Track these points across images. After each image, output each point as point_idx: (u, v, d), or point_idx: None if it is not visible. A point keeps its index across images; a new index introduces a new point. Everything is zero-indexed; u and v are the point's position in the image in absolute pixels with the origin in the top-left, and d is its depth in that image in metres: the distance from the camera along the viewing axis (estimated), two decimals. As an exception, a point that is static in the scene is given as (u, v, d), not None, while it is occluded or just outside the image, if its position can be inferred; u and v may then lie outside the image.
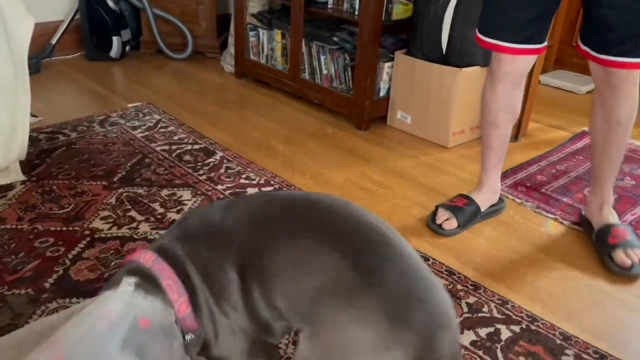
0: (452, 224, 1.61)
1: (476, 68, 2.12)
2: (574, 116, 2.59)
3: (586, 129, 2.43)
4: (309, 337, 0.76)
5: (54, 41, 2.88)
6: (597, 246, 1.55)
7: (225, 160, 1.96)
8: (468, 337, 1.21)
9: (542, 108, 2.58)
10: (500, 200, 1.73)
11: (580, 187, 1.92)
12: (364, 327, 0.70)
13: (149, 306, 0.85)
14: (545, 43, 1.48)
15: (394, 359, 0.68)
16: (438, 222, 1.62)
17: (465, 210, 1.64)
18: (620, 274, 1.45)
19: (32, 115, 1.82)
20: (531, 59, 1.49)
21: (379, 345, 0.68)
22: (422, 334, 0.70)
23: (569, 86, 2.97)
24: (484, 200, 1.68)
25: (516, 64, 1.48)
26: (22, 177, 1.72)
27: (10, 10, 1.51)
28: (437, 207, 1.68)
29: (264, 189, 1.78)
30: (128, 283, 0.87)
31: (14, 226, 1.49)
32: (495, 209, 1.71)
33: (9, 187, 1.68)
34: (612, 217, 1.59)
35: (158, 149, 2.02)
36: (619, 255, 1.47)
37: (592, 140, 1.56)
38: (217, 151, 2.03)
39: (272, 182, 1.83)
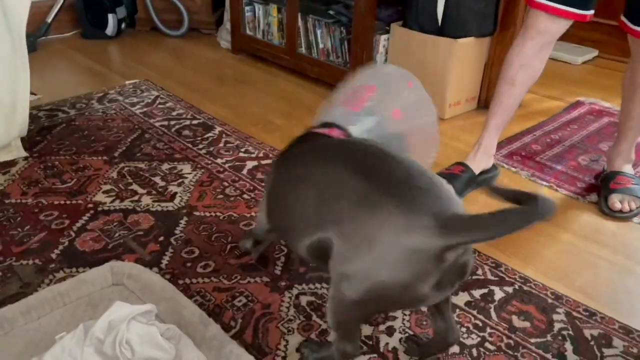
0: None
1: (471, 39, 2.13)
2: (569, 86, 2.61)
3: (581, 98, 2.46)
4: (338, 237, 0.85)
5: (49, 20, 2.87)
6: (600, 189, 1.67)
7: (224, 135, 1.98)
8: (463, 298, 1.25)
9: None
10: (494, 167, 1.77)
11: (574, 155, 1.95)
12: (381, 218, 0.80)
13: None
14: (592, 11, 1.47)
15: (411, 239, 0.78)
16: None
17: (461, 178, 1.67)
18: (609, 215, 1.57)
19: (31, 93, 1.83)
20: (567, 23, 1.49)
21: (396, 230, 0.79)
22: (434, 217, 0.78)
23: (565, 57, 2.98)
24: (478, 164, 1.71)
25: (553, 24, 1.48)
26: (24, 154, 1.75)
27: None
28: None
29: (263, 162, 1.80)
30: None
31: (18, 200, 1.52)
32: (489, 176, 1.74)
33: (12, 163, 1.70)
34: (625, 168, 1.69)
35: (157, 124, 2.04)
36: (613, 199, 1.59)
37: (622, 100, 1.65)
38: (216, 126, 2.05)
39: (270, 156, 1.85)
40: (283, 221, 1.04)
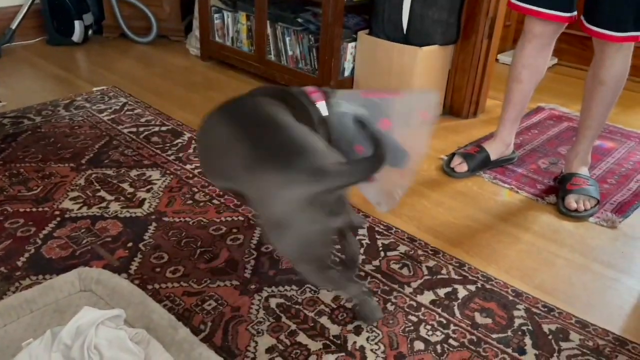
0: (462, 167, 1.87)
1: (435, 47, 2.19)
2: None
3: (542, 104, 2.55)
4: (243, 190, 1.07)
5: (13, 26, 2.83)
6: (558, 190, 1.76)
7: (193, 141, 1.99)
8: (428, 297, 1.29)
9: (500, 85, 2.65)
10: (513, 153, 1.96)
11: (535, 159, 2.02)
12: (264, 179, 0.99)
13: None
14: (575, 13, 1.64)
15: (291, 191, 0.97)
16: (452, 165, 1.88)
17: (476, 157, 1.88)
18: (566, 215, 1.67)
19: (-5, 100, 1.81)
20: (559, 25, 1.66)
21: (279, 184, 0.97)
22: (306, 172, 0.97)
23: (526, 64, 3.08)
24: (495, 149, 1.90)
25: (545, 27, 1.66)
26: (-12, 161, 1.72)
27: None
28: (453, 154, 1.93)
29: (232, 168, 1.82)
30: None
31: (-18, 209, 1.50)
32: (507, 160, 1.94)
33: (-25, 171, 1.68)
34: (581, 170, 1.78)
35: (125, 131, 2.03)
36: (569, 199, 1.67)
37: (583, 99, 1.74)
38: (185, 132, 2.06)
39: (240, 161, 1.87)
40: (203, 166, 1.27)
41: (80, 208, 1.54)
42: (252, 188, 1.03)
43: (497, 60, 2.74)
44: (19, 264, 1.30)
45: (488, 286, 1.34)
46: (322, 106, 1.18)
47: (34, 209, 1.51)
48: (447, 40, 2.22)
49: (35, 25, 2.98)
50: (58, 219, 1.48)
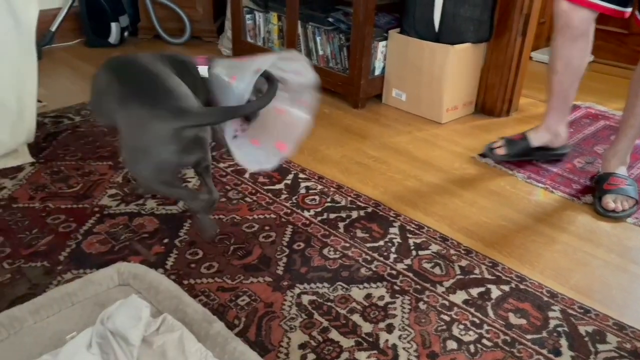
0: (502, 150, 1.90)
1: (467, 45, 2.17)
2: (566, 91, 2.64)
3: (577, 102, 2.50)
4: (118, 121, 1.27)
5: (53, 28, 2.92)
6: (595, 190, 1.72)
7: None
8: (460, 296, 1.28)
9: (534, 84, 2.63)
10: (563, 147, 1.92)
11: (570, 158, 1.98)
12: (132, 114, 1.20)
13: None
14: (630, 8, 1.61)
15: (154, 125, 1.18)
16: (493, 147, 1.92)
17: (517, 143, 1.90)
18: (603, 215, 1.63)
19: (37, 101, 1.87)
20: (590, 15, 1.62)
21: (146, 117, 1.18)
22: (168, 110, 1.18)
23: (561, 62, 3.02)
24: (538, 137, 1.89)
25: (575, 18, 1.64)
26: (30, 159, 1.78)
27: (15, -4, 1.56)
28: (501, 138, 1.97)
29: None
30: None
31: (26, 205, 1.56)
32: (555, 153, 1.91)
33: (19, 168, 1.74)
34: (619, 169, 1.73)
35: (160, 130, 2.07)
36: (606, 199, 1.63)
37: (628, 97, 1.71)
38: (218, 131, 2.09)
39: (271, 160, 1.89)
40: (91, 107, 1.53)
41: (118, 205, 1.58)
42: (123, 120, 1.23)
43: (531, 58, 2.70)
44: (61, 258, 1.35)
45: (522, 286, 1.33)
46: (203, 70, 1.38)
47: (74, 206, 1.57)
48: (479, 38, 2.19)
49: (73, 27, 3.07)
50: (97, 215, 1.53)
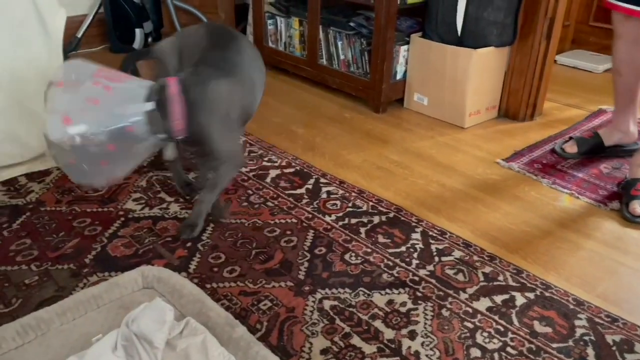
0: (572, 148, 1.96)
1: (491, 49, 2.15)
2: (591, 95, 2.61)
3: (603, 107, 2.45)
4: None
5: (79, 35, 2.98)
6: (622, 196, 1.70)
7: (247, 145, 2.03)
8: (484, 303, 1.27)
9: (558, 87, 2.60)
10: (636, 143, 1.94)
11: (596, 164, 1.95)
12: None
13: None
14: None
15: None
16: (563, 145, 1.98)
17: (588, 141, 1.96)
18: (631, 221, 1.61)
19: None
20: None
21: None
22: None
23: (585, 65, 2.97)
24: (608, 136, 1.94)
25: (629, 25, 1.69)
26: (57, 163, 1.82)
27: (44, 4, 1.60)
28: (570, 137, 2.03)
29: (285, 171, 1.85)
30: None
31: (53, 208, 1.59)
32: (626, 149, 1.94)
33: (47, 172, 1.77)
34: None
35: (183, 135, 2.10)
36: (634, 205, 1.62)
37: None
38: (240, 136, 2.10)
39: (293, 164, 1.89)
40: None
41: (142, 209, 1.60)
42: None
43: (555, 61, 2.66)
44: (87, 261, 1.37)
45: (547, 294, 1.30)
46: None
47: (100, 209, 1.59)
48: (503, 41, 2.17)
49: (98, 33, 3.12)
50: (122, 219, 1.55)
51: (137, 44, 3.08)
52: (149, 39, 3.17)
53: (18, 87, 1.65)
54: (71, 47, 2.96)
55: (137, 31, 3.06)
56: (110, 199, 1.65)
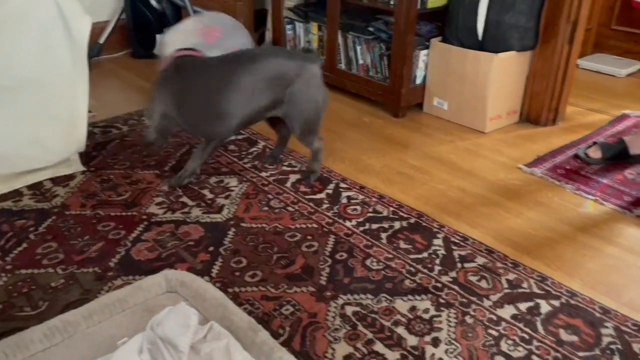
0: (596, 153, 1.93)
1: (512, 53, 2.14)
2: (614, 99, 2.57)
3: (626, 111, 2.41)
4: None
5: (101, 41, 3.02)
6: None
7: (267, 149, 2.04)
8: (508, 311, 1.25)
9: (581, 92, 2.57)
10: None
11: (621, 169, 1.92)
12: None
13: None
14: None
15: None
16: (587, 150, 1.95)
17: (612, 147, 1.93)
18: None
19: (87, 111, 1.93)
20: None
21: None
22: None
23: (608, 69, 2.93)
24: (634, 143, 1.90)
25: None
26: (81, 168, 1.85)
27: (70, 10, 1.62)
28: (594, 142, 2.00)
29: (306, 175, 1.85)
30: None
31: (78, 212, 1.61)
32: None
33: (71, 177, 1.80)
34: None
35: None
36: None
37: None
38: (260, 141, 2.12)
39: (313, 169, 1.90)
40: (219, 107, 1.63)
41: (165, 213, 1.62)
42: None
43: (577, 65, 2.63)
44: (111, 264, 1.39)
45: (573, 302, 1.29)
46: None
47: (123, 213, 1.61)
48: (524, 45, 2.15)
49: (120, 39, 3.17)
50: (145, 223, 1.57)
51: (157, 49, 3.11)
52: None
53: (43, 92, 1.68)
54: (94, 52, 3.00)
55: (158, 36, 3.09)
56: (133, 203, 1.66)
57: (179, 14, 3.21)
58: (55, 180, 1.77)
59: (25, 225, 1.54)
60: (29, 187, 1.73)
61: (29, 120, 1.66)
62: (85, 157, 1.92)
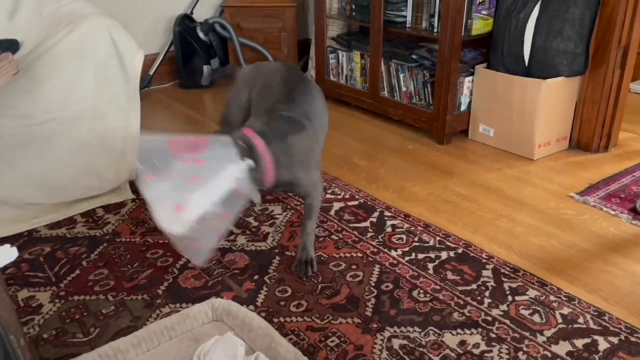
0: None
1: (560, 79, 2.09)
2: (670, 124, 2.47)
3: (684, 136, 2.31)
4: None
5: (151, 72, 3.14)
6: None
7: (311, 177, 2.05)
8: (564, 347, 1.20)
9: (634, 117, 2.47)
10: None
11: (681, 197, 1.83)
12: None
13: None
14: None
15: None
16: None
17: None
18: None
19: (138, 140, 2.01)
20: None
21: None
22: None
23: (663, 93, 2.82)
24: None
25: None
26: (132, 196, 1.90)
27: (124, 46, 1.70)
28: None
29: (349, 204, 1.84)
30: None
31: (128, 239, 1.66)
32: None
33: (122, 204, 1.86)
34: None
35: (249, 167, 2.15)
36: None
37: None
38: (304, 168, 2.13)
39: (356, 197, 1.89)
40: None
41: (210, 241, 1.64)
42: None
43: (629, 90, 2.54)
44: (159, 292, 1.41)
45: (633, 339, 1.22)
46: None
47: (170, 241, 1.64)
48: (573, 71, 2.10)
49: (169, 70, 3.28)
50: (192, 250, 1.59)
51: (205, 79, 3.21)
52: (216, 76, 3.30)
53: (99, 124, 1.76)
54: (144, 83, 3.12)
55: (205, 68, 3.19)
56: (180, 231, 1.69)
57: (225, 46, 3.31)
58: (107, 208, 1.83)
59: (79, 252, 1.59)
60: (82, 214, 1.79)
61: (85, 150, 1.74)
62: (135, 185, 1.98)
